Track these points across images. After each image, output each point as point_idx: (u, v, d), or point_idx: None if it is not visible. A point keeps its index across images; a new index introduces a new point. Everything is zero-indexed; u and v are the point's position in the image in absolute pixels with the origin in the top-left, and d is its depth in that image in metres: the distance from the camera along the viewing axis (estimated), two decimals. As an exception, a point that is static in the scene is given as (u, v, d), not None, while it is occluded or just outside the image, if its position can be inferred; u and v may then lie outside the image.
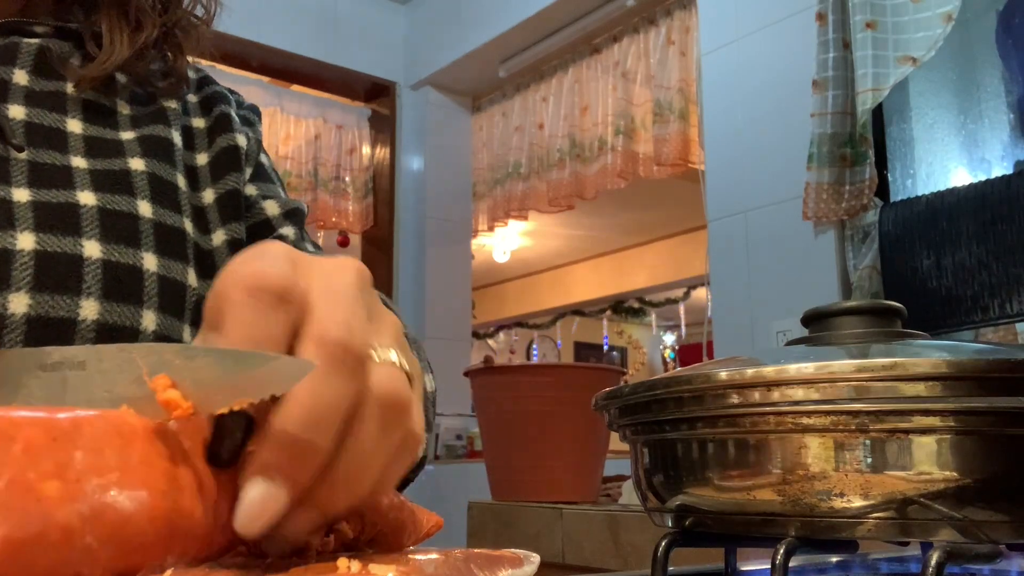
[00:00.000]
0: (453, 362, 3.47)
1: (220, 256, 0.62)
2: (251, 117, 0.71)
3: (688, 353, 8.05)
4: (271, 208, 0.66)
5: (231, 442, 0.29)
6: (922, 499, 0.38)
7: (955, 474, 0.38)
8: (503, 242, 6.24)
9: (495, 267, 7.03)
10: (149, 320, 0.55)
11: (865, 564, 0.56)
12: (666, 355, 8.63)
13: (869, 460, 0.39)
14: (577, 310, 8.06)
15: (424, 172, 3.61)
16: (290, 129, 3.50)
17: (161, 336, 0.56)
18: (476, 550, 0.35)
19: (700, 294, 6.77)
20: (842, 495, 0.40)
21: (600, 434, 1.73)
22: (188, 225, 0.60)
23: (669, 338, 8.65)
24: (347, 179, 3.62)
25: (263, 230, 0.65)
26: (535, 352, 8.42)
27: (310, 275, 0.32)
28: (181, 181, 0.62)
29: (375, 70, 3.62)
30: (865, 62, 1.81)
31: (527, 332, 8.48)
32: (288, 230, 0.66)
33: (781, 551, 0.39)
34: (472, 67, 3.48)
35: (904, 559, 0.56)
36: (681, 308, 7.56)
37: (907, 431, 0.39)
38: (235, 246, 0.62)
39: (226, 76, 3.34)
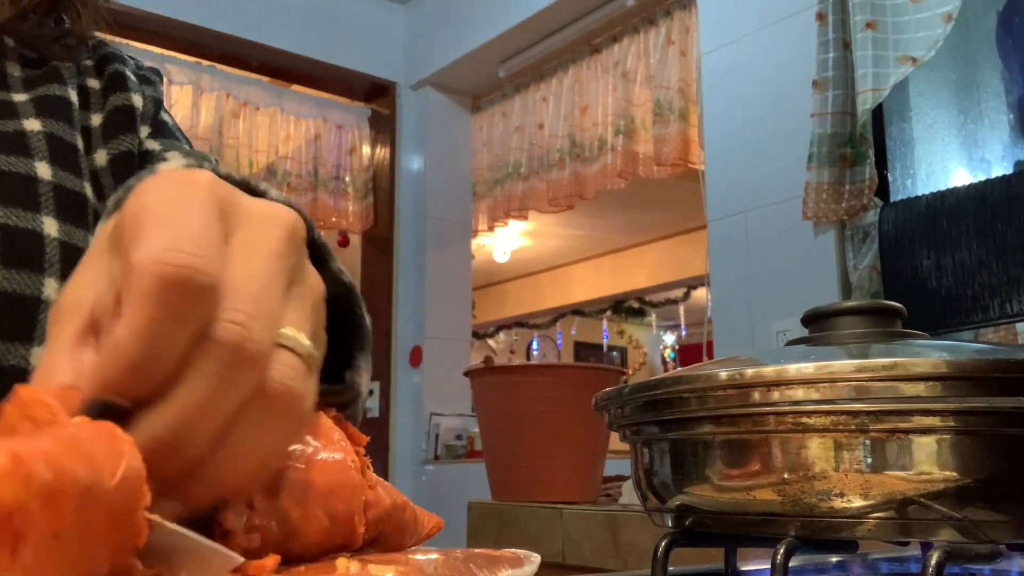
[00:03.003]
0: (453, 362, 3.47)
1: None
2: (151, 76, 0.67)
3: (688, 353, 8.05)
4: (175, 160, 0.62)
5: None
6: (922, 499, 0.38)
7: (955, 474, 0.38)
8: (503, 242, 6.24)
9: (495, 267, 7.03)
10: (52, 289, 0.52)
11: (865, 564, 0.56)
12: (666, 355, 8.63)
13: (869, 460, 0.39)
14: (577, 310, 8.06)
15: (424, 172, 3.61)
16: (290, 129, 3.50)
17: None
18: (476, 550, 0.35)
19: (700, 294, 6.77)
20: (842, 495, 0.40)
21: (600, 434, 1.73)
22: (88, 189, 0.57)
23: (669, 338, 8.65)
24: (347, 179, 3.62)
25: None
26: (535, 352, 8.42)
27: (233, 238, 0.29)
28: (80, 142, 0.58)
29: (375, 70, 3.62)
30: (865, 62, 1.81)
31: (527, 332, 8.48)
32: None
33: (781, 551, 0.39)
34: (472, 67, 3.48)
35: (904, 559, 0.56)
36: (681, 308, 7.56)
37: (907, 431, 0.39)
38: None
39: (226, 76, 3.34)
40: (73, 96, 0.60)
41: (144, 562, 0.26)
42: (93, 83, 0.64)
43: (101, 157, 0.60)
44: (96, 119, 0.62)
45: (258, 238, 0.30)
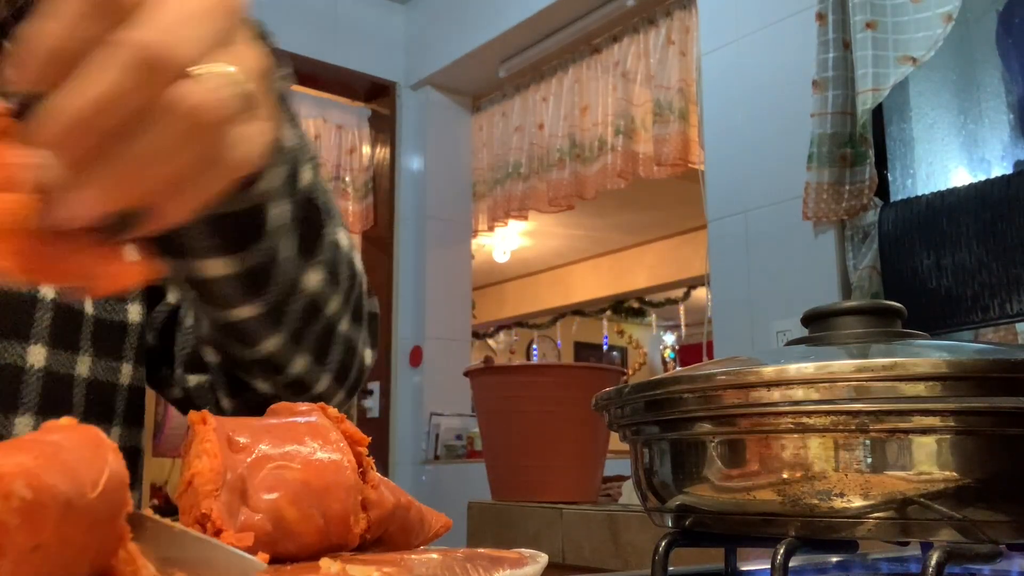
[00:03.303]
0: (453, 362, 3.47)
1: None
2: None
3: (688, 353, 8.05)
4: None
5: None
6: (922, 499, 0.38)
7: (955, 474, 0.38)
8: (503, 242, 6.24)
9: (495, 267, 7.03)
10: (47, 287, 0.53)
11: (865, 564, 0.56)
12: (666, 355, 8.63)
13: (869, 460, 0.39)
14: (577, 310, 8.06)
15: (424, 172, 3.60)
16: (290, 129, 3.50)
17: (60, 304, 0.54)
18: (480, 550, 0.35)
19: (700, 294, 6.77)
20: (842, 495, 0.40)
21: (600, 434, 1.73)
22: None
23: (669, 338, 8.65)
24: (347, 179, 3.62)
25: None
26: (535, 352, 8.42)
27: None
28: None
29: (375, 70, 3.62)
30: (865, 62, 1.81)
31: (527, 332, 8.48)
32: None
33: (781, 551, 0.39)
34: (472, 67, 3.48)
35: (904, 559, 0.56)
36: (681, 308, 7.55)
37: (907, 431, 0.39)
38: None
39: (226, 76, 3.34)
40: None
41: (163, 570, 0.26)
42: None
43: None
44: None
45: None
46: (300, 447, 0.35)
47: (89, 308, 0.56)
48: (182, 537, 0.28)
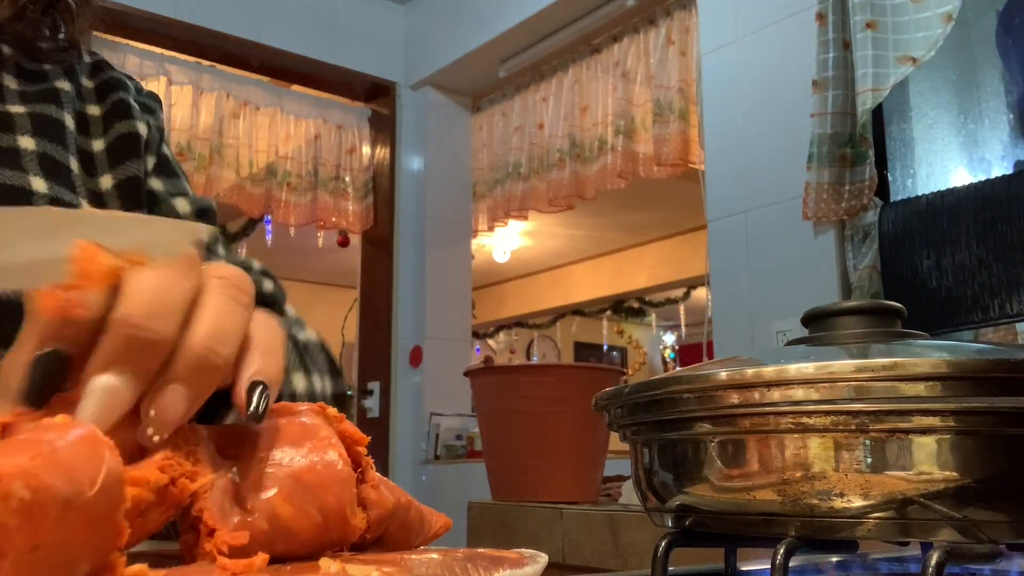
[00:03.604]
0: (453, 362, 3.47)
1: None
2: (151, 104, 0.70)
3: (688, 353, 8.05)
4: (182, 206, 0.65)
5: (48, 380, 0.29)
6: (922, 499, 0.38)
7: (955, 474, 0.38)
8: (503, 242, 6.24)
9: (495, 267, 7.03)
10: None
11: (865, 564, 0.56)
12: (666, 355, 8.63)
13: (869, 460, 0.39)
14: (577, 310, 8.06)
15: (424, 172, 3.60)
16: (290, 129, 3.50)
17: None
18: (480, 550, 0.35)
19: (700, 294, 6.77)
20: (842, 495, 0.40)
21: (600, 434, 1.73)
22: (84, 206, 0.59)
23: (669, 338, 8.65)
24: (347, 179, 3.62)
25: None
26: (535, 352, 8.41)
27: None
28: (74, 164, 0.60)
29: (375, 70, 3.62)
30: (865, 62, 1.81)
31: (527, 332, 8.48)
32: None
33: (781, 551, 0.39)
34: (472, 67, 3.48)
35: (904, 559, 0.56)
36: (681, 308, 7.56)
37: (907, 431, 0.39)
38: None
39: (226, 76, 3.34)
40: (69, 121, 0.62)
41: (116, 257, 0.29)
42: (93, 110, 0.65)
43: (106, 181, 0.62)
44: (98, 144, 0.64)
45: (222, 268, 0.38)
46: (291, 446, 0.35)
47: None
48: (116, 222, 0.29)
